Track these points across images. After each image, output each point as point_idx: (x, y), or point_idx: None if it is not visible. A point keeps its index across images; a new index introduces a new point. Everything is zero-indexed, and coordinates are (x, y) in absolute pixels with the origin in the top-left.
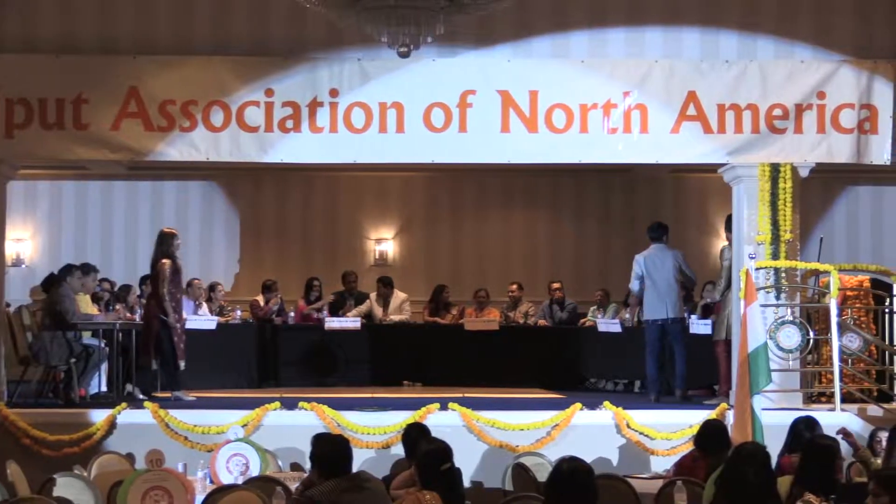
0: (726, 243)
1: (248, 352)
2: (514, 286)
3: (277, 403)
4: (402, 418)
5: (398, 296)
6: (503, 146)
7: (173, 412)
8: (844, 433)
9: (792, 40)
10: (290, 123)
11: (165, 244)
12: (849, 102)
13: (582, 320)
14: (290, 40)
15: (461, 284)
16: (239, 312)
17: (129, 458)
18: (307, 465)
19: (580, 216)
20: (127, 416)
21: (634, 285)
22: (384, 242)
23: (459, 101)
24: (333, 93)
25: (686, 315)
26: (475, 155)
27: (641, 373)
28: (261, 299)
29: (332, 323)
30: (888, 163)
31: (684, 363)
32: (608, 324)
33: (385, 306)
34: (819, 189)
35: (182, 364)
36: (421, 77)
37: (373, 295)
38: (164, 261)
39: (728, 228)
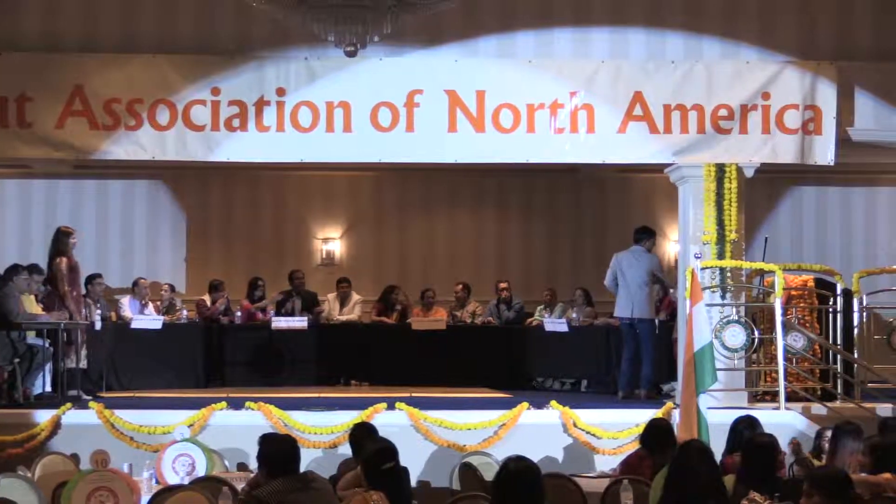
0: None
1: (195, 352)
2: (461, 286)
3: (224, 403)
4: (349, 418)
5: (353, 296)
6: (450, 146)
7: (119, 412)
8: (795, 445)
9: (737, 41)
10: (236, 122)
11: (60, 242)
12: (793, 103)
13: (529, 320)
14: (236, 39)
15: (408, 284)
16: (185, 313)
17: (74, 458)
18: (254, 465)
19: (527, 216)
20: (72, 416)
21: (608, 281)
22: (331, 242)
23: (407, 101)
24: (280, 92)
25: (658, 317)
26: (422, 154)
27: (588, 372)
28: (207, 299)
29: (279, 322)
30: (832, 163)
31: (650, 364)
32: (555, 323)
33: (342, 306)
34: (764, 189)
35: (84, 363)
36: (368, 76)
37: (331, 295)
38: (59, 259)
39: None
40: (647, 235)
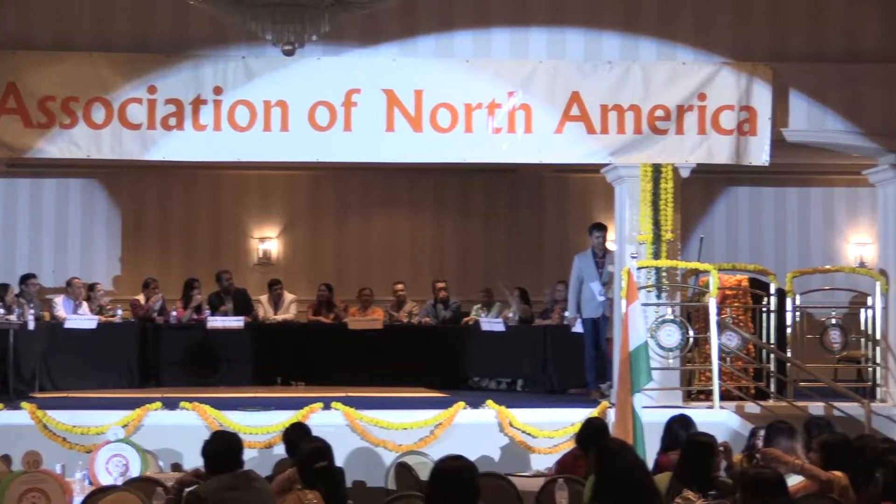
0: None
1: (129, 351)
2: (400, 285)
3: (158, 403)
4: (284, 418)
5: (287, 296)
6: (388, 145)
7: (52, 413)
8: (725, 448)
9: (673, 42)
10: (172, 121)
11: None
12: (728, 104)
13: (465, 319)
14: (173, 37)
15: (346, 283)
16: (120, 312)
17: (6, 459)
18: (188, 466)
19: (465, 215)
20: (3, 416)
21: (573, 284)
22: (268, 241)
23: (344, 100)
24: (217, 90)
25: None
26: (360, 154)
27: (524, 371)
28: (141, 298)
29: (215, 322)
30: (767, 164)
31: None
32: (491, 323)
33: (276, 307)
34: (699, 189)
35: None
36: (306, 75)
37: (263, 297)
38: None
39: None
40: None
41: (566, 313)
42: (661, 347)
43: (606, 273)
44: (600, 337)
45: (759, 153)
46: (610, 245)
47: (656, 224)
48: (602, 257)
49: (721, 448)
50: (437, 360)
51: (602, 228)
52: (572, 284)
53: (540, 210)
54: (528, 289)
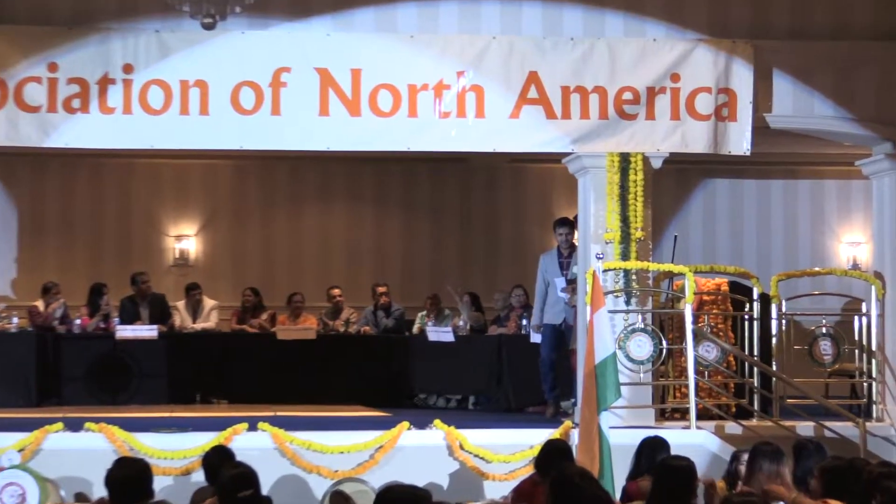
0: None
1: (27, 365)
2: (336, 290)
3: (60, 424)
4: (204, 440)
5: (207, 303)
6: (322, 131)
7: None
8: (709, 485)
9: (643, 17)
10: (76, 103)
11: None
12: (705, 86)
13: (411, 328)
14: (76, 8)
15: (274, 288)
16: (16, 320)
17: None
18: (95, 495)
19: (409, 210)
20: None
21: (540, 288)
22: (185, 240)
23: (272, 80)
24: (127, 69)
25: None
26: (290, 141)
27: (477, 387)
28: (40, 304)
29: (125, 332)
30: (748, 153)
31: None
32: (439, 332)
33: (195, 315)
34: (673, 182)
35: None
36: (228, 52)
37: (180, 304)
38: None
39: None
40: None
41: (529, 322)
42: (631, 360)
43: (572, 273)
44: (562, 346)
45: (740, 141)
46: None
47: (625, 221)
48: (568, 256)
49: (705, 483)
50: (379, 375)
51: (566, 224)
52: (538, 288)
53: (494, 205)
54: (482, 293)
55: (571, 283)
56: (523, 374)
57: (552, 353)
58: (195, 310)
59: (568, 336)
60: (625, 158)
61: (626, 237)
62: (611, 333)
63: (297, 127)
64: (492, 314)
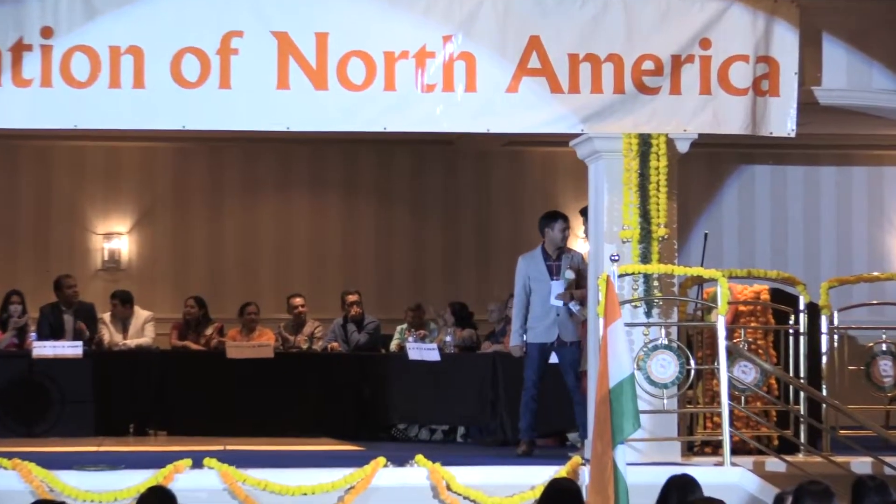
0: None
1: None
2: (298, 299)
3: None
4: (139, 480)
5: (140, 314)
6: (280, 108)
7: None
8: None
9: None
10: None
11: None
12: (742, 54)
13: (391, 344)
14: None
15: (223, 296)
16: None
17: None
18: None
19: (386, 204)
20: None
21: (518, 298)
22: (116, 238)
23: (220, 47)
24: (46, 33)
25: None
26: (242, 120)
27: (467, 416)
28: None
29: (43, 349)
30: (793, 135)
31: (585, 406)
32: (422, 350)
33: (125, 329)
34: (703, 169)
35: None
36: (168, 13)
37: (106, 315)
38: None
39: (586, 221)
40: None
41: (511, 342)
42: (653, 383)
43: (565, 278)
44: (566, 372)
45: (783, 120)
46: (581, 245)
47: (645, 216)
48: (557, 259)
49: None
50: (349, 401)
51: (563, 219)
52: (517, 300)
53: (487, 196)
54: (473, 303)
55: (569, 289)
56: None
57: (538, 379)
58: (125, 323)
59: (571, 356)
60: (645, 141)
61: (646, 235)
62: (628, 351)
63: (251, 103)
64: (485, 328)
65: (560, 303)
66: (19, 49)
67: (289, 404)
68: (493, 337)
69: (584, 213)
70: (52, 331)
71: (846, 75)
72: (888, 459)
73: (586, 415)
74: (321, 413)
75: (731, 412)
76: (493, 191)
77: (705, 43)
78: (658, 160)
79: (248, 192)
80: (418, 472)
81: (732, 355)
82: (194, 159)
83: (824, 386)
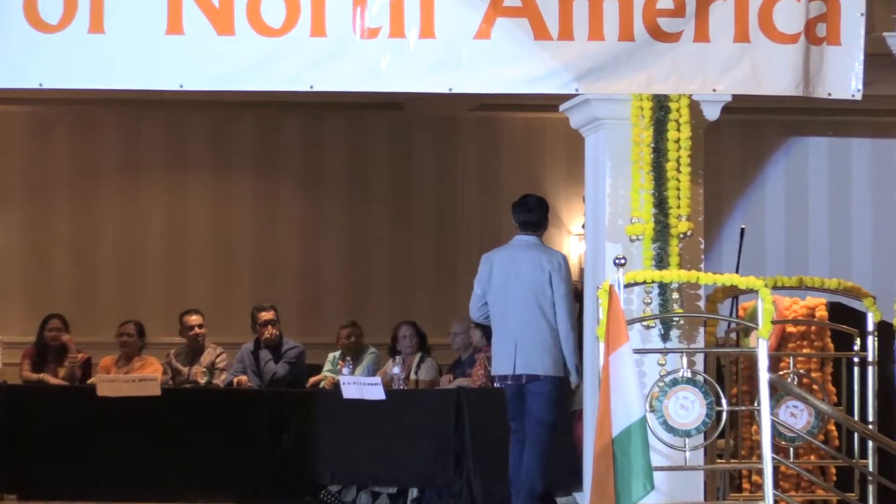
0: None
1: None
2: (194, 317)
3: None
4: None
5: None
6: (171, 61)
7: None
8: None
9: None
10: None
11: None
12: None
13: (314, 378)
14: None
15: (92, 314)
16: None
17: None
18: None
19: (313, 187)
20: None
21: (475, 308)
22: None
23: None
24: None
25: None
26: (120, 76)
27: (421, 473)
28: None
29: None
30: (857, 97)
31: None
32: (362, 385)
33: None
34: (739, 143)
35: None
36: None
37: None
38: None
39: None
40: (542, 215)
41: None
42: (671, 429)
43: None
44: (542, 419)
45: (845, 78)
46: (574, 242)
47: (660, 204)
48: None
49: None
50: (263, 454)
51: (527, 209)
52: (474, 310)
53: (449, 177)
54: (429, 323)
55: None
56: (497, 451)
57: (521, 424)
58: None
59: (550, 392)
60: (661, 105)
61: (662, 231)
62: (637, 387)
63: (133, 53)
64: (447, 355)
65: None
66: None
67: (181, 458)
68: (458, 368)
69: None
70: None
71: None
72: None
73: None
74: (224, 469)
75: (776, 469)
76: (458, 171)
77: None
78: (679, 130)
79: (129, 172)
80: None
81: (778, 392)
82: (57, 129)
83: None
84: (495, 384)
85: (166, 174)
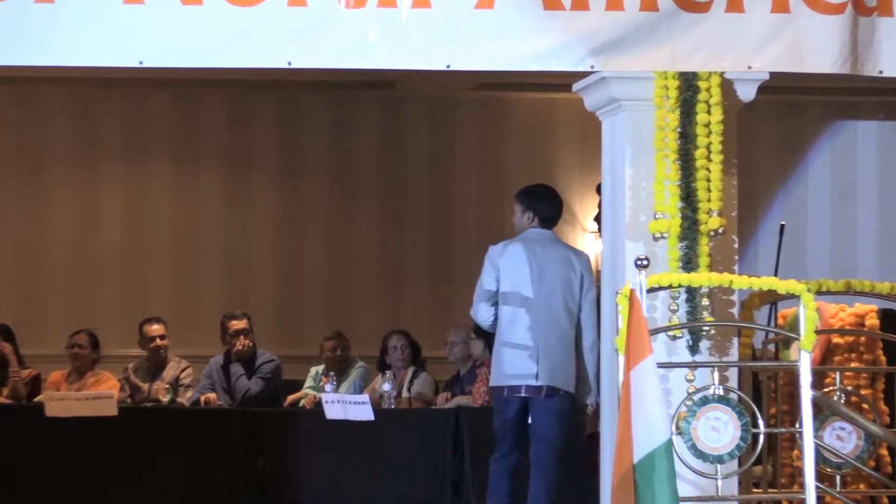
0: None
1: None
2: (155, 326)
3: None
4: None
5: None
6: (129, 35)
7: None
8: None
9: None
10: None
11: None
12: None
13: (293, 396)
14: None
15: (41, 322)
16: None
17: None
18: None
19: (291, 178)
20: None
21: (482, 311)
22: None
23: None
24: None
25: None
26: (70, 51)
27: (416, 501)
28: None
29: None
30: None
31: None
32: (347, 404)
33: None
34: (779, 127)
35: None
36: None
37: None
38: None
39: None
40: (557, 206)
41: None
42: (701, 455)
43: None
44: (553, 442)
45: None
46: (589, 240)
47: (688, 197)
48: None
49: None
50: (236, 482)
51: (542, 197)
52: (481, 314)
53: (445, 166)
54: (425, 333)
55: None
56: None
57: (514, 446)
58: None
59: (567, 411)
60: (689, 84)
61: (690, 227)
62: (662, 406)
63: (85, 26)
64: (444, 370)
65: None
66: None
67: (142, 485)
68: (456, 384)
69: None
70: None
71: None
72: None
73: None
74: (191, 500)
75: (821, 499)
76: (456, 160)
77: None
78: (709, 113)
79: (82, 161)
80: None
81: (823, 412)
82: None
83: None
84: (497, 396)
85: (124, 164)
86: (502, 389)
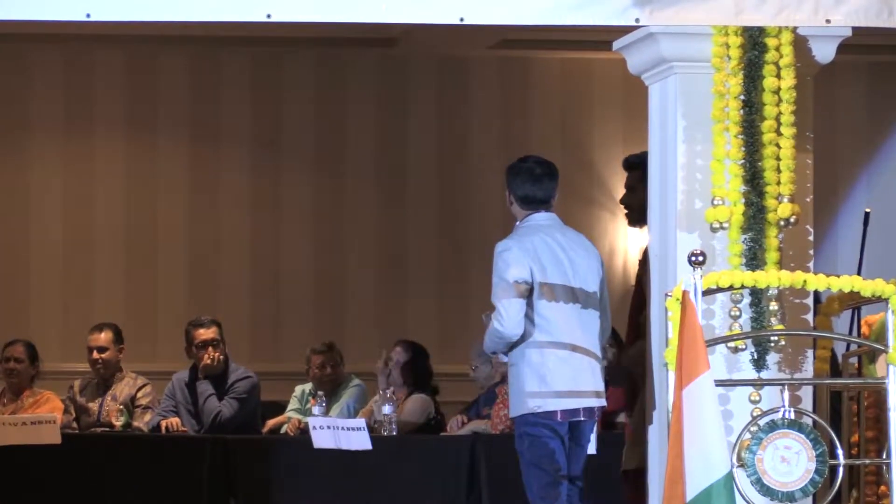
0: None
1: None
2: (103, 334)
3: None
4: None
5: None
6: None
7: None
8: None
9: None
10: None
11: None
12: None
13: (273, 420)
14: None
15: None
16: None
17: None
18: None
19: (274, 150)
20: None
21: (515, 321)
22: None
23: None
24: None
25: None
26: (47, 6)
27: None
28: None
29: None
30: None
31: None
32: (339, 430)
33: None
34: (865, 95)
35: None
36: None
37: None
38: None
39: (637, 183)
40: (540, 184)
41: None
42: (769, 491)
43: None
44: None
45: None
46: (633, 232)
47: (752, 179)
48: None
49: None
50: None
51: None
52: (513, 323)
53: (458, 140)
54: (434, 343)
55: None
56: None
57: (556, 483)
58: None
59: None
60: (754, 42)
61: (756, 216)
62: (721, 432)
63: None
64: (456, 389)
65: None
66: None
67: None
68: (473, 408)
69: (631, 165)
70: None
71: None
72: None
73: None
74: None
75: None
76: (470, 130)
77: None
78: (778, 77)
79: (13, 132)
80: None
81: None
82: None
83: None
84: (548, 422)
85: (65, 135)
86: (554, 414)
